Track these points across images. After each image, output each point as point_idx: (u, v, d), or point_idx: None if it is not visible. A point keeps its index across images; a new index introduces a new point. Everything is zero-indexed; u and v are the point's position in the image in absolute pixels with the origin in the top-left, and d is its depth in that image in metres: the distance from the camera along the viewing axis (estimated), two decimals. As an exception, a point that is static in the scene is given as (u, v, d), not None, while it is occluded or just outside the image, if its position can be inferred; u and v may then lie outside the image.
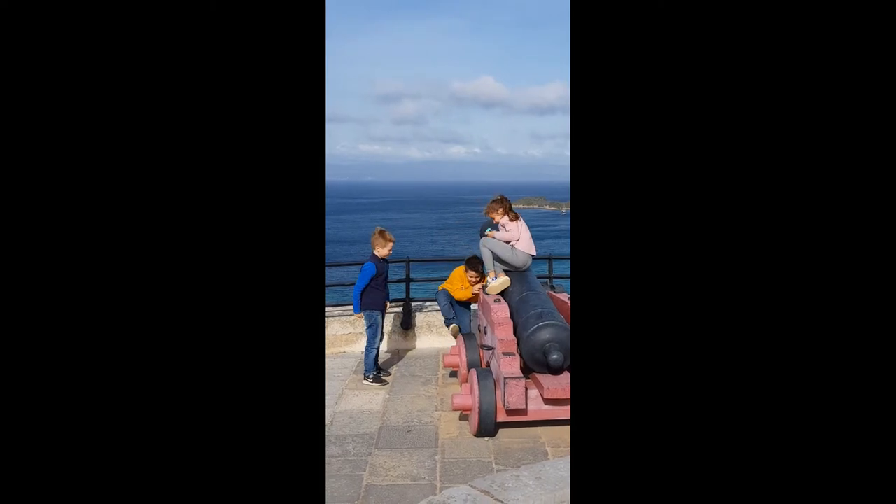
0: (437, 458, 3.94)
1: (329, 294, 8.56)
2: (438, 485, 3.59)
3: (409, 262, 6.58)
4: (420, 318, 6.44)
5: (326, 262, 6.01)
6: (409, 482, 3.63)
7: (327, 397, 5.04)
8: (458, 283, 5.56)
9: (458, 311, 5.61)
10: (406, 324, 6.37)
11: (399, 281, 6.76)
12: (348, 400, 4.99)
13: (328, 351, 6.34)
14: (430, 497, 2.16)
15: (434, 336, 6.14)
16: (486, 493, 2.12)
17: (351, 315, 6.45)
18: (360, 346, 6.36)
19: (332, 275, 6.90)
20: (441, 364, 5.74)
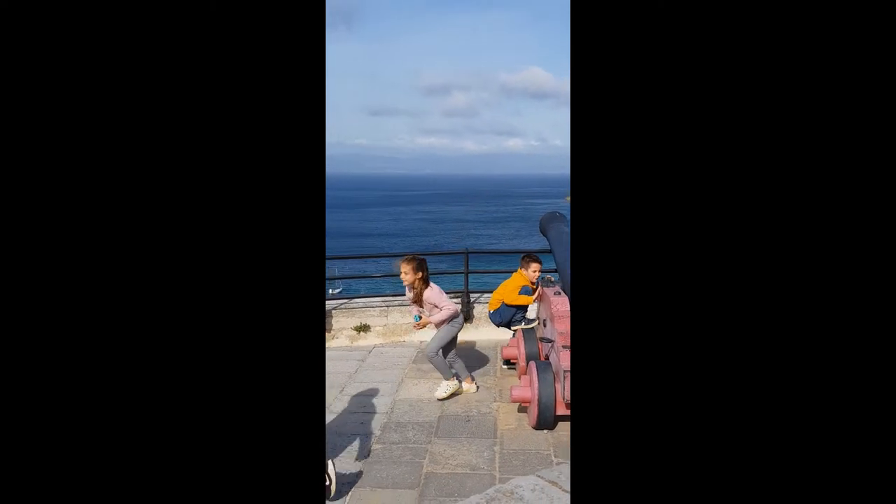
0: (496, 448, 3.96)
1: (386, 284, 8.66)
2: (497, 475, 3.62)
3: (468, 253, 6.61)
4: (478, 310, 6.48)
5: (376, 253, 6.08)
6: (468, 471, 3.67)
7: (388, 385, 5.14)
8: (513, 287, 5.39)
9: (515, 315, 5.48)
10: (465, 315, 6.41)
11: (457, 273, 6.82)
12: (408, 388, 5.06)
13: (389, 340, 6.44)
14: (498, 485, 2.18)
15: (492, 328, 6.14)
16: (554, 483, 2.14)
17: (410, 305, 6.54)
18: (419, 335, 6.45)
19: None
20: (499, 356, 5.76)
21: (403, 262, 4.76)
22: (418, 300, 4.79)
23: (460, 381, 4.95)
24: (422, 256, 4.85)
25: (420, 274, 4.72)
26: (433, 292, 4.74)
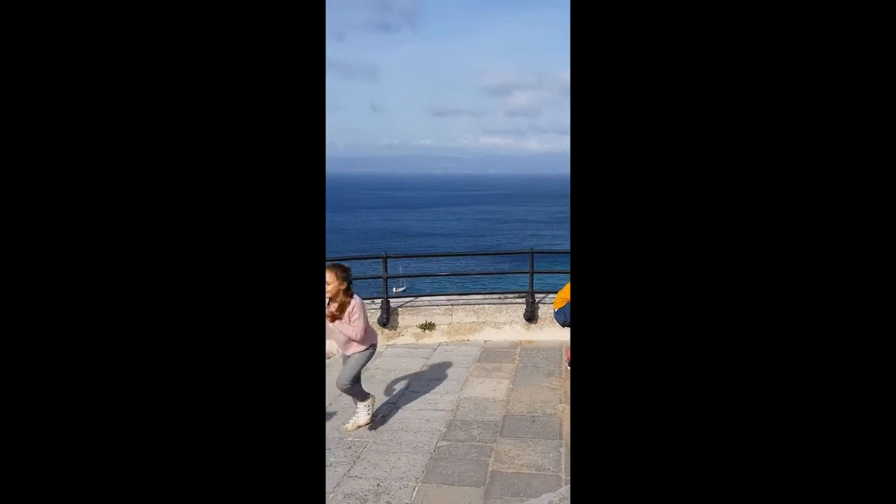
0: (562, 450, 3.92)
1: (450, 283, 8.69)
2: (563, 476, 3.58)
3: (533, 253, 6.58)
4: (543, 311, 6.43)
5: (440, 252, 6.12)
6: (533, 472, 3.65)
7: (453, 383, 5.17)
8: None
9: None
10: (530, 315, 6.38)
11: (522, 273, 6.80)
12: (472, 387, 5.08)
13: (453, 338, 6.48)
14: (568, 486, 2.17)
15: (557, 328, 6.09)
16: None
17: (475, 304, 6.56)
18: (484, 334, 6.46)
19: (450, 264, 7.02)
20: (564, 357, 5.71)
21: (326, 269, 4.03)
22: (341, 313, 4.12)
23: (368, 406, 4.42)
24: (346, 265, 4.21)
25: (345, 285, 4.07)
26: (356, 306, 4.12)
